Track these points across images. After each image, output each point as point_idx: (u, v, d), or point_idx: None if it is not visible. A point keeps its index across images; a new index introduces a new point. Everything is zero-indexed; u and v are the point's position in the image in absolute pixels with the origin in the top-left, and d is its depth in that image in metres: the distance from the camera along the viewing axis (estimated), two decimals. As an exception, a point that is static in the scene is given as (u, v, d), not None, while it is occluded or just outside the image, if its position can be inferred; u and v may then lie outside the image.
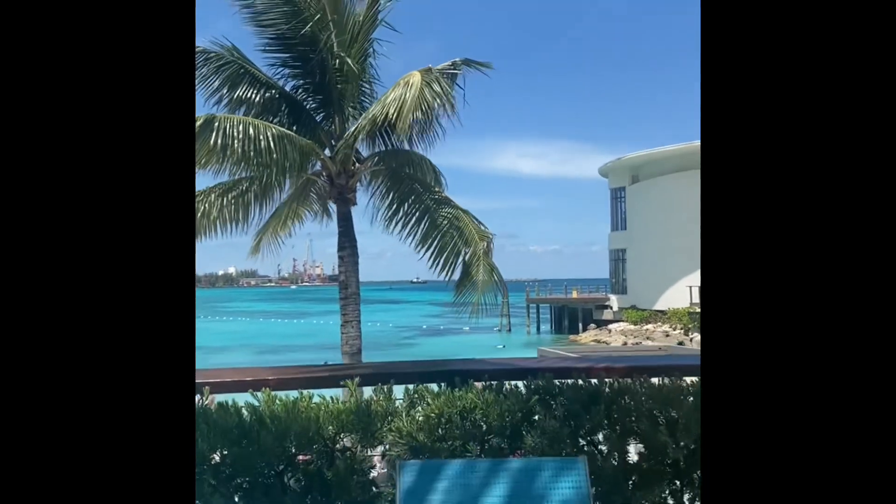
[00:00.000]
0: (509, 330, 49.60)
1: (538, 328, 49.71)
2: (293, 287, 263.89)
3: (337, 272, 8.61)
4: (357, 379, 3.81)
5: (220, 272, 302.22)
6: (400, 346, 41.82)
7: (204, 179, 8.15)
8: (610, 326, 43.36)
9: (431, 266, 8.16)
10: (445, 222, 8.10)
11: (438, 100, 6.95)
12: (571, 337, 43.98)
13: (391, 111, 6.73)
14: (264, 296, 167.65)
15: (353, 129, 7.57)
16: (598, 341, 41.70)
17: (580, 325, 45.16)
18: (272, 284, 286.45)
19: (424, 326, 57.79)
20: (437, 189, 8.74)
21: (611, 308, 44.94)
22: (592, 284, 55.98)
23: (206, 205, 8.11)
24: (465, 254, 8.00)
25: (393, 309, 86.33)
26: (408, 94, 6.77)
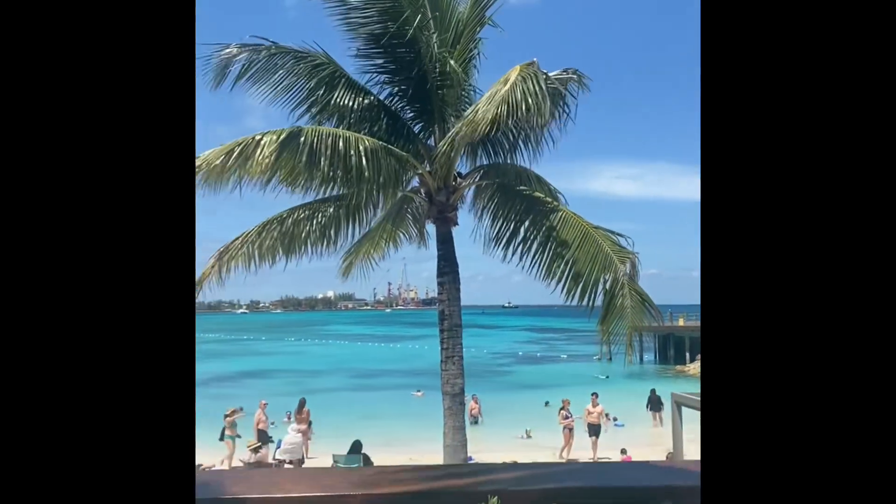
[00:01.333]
0: (609, 359, 47.27)
1: (641, 357, 46.99)
2: (388, 310, 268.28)
3: (431, 296, 7.67)
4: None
5: (320, 295, 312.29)
6: (496, 374, 40.48)
7: (291, 197, 7.41)
8: (722, 357, 40.16)
9: (567, 297, 6.92)
10: (576, 243, 6.91)
11: (551, 101, 5.85)
12: (678, 367, 41.18)
13: (501, 109, 5.68)
14: (360, 319, 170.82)
15: (453, 131, 6.52)
16: (709, 373, 38.71)
17: (687, 355, 42.26)
18: (368, 307, 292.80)
19: (520, 353, 56.13)
20: (554, 204, 7.57)
21: (722, 337, 41.63)
22: (699, 311, 52.55)
23: (294, 225, 7.34)
24: (606, 280, 6.76)
25: (487, 334, 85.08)
26: (518, 91, 5.72)
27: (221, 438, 16.11)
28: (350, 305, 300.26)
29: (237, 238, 7.29)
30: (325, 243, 7.68)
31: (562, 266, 6.94)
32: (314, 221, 7.51)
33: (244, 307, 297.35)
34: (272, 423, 22.07)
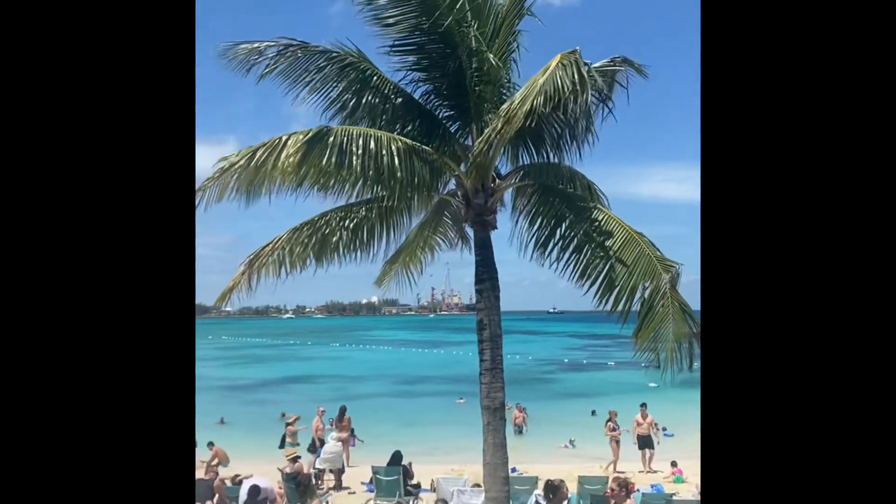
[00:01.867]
0: (658, 366, 45.89)
1: (691, 364, 45.53)
2: (431, 316, 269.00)
3: (474, 301, 7.22)
4: None
5: (364, 300, 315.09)
6: (541, 382, 39.73)
7: (330, 202, 7.11)
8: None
9: (600, 303, 6.52)
10: (616, 247, 6.45)
11: (596, 93, 5.40)
12: (731, 376, 39.74)
13: (538, 99, 5.26)
14: (404, 324, 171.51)
15: (490, 128, 6.10)
16: (763, 381, 37.25)
17: (741, 363, 40.80)
18: (412, 313, 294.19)
19: (566, 360, 55.13)
20: (595, 205, 7.09)
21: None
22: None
23: (326, 230, 7.02)
24: (645, 288, 6.31)
25: (531, 340, 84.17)
26: (556, 78, 5.29)
27: (281, 446, 15.77)
28: (394, 311, 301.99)
29: (267, 245, 7.01)
30: (358, 248, 7.34)
31: (598, 269, 6.52)
32: (346, 226, 7.17)
33: (290, 312, 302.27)
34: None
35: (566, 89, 5.21)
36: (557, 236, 6.92)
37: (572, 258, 6.77)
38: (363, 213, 7.26)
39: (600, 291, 6.58)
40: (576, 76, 5.19)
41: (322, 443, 15.67)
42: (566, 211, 6.94)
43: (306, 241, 6.87)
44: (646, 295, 6.32)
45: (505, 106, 5.84)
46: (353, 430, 16.64)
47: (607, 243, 6.52)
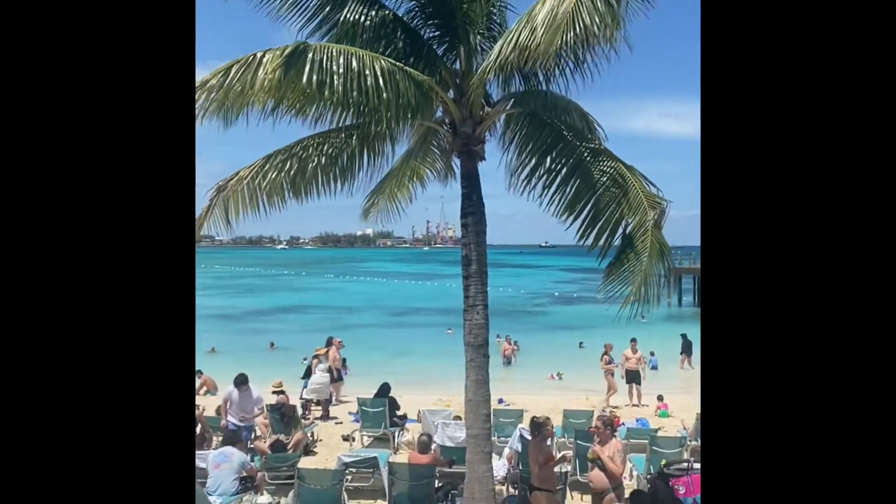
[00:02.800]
0: (633, 301, 46.26)
1: (680, 300, 45.95)
2: (426, 248, 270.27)
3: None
4: None
5: (359, 233, 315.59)
6: (530, 315, 40.08)
7: (297, 128, 6.70)
8: (766, 301, 39.23)
9: (582, 236, 6.32)
10: (604, 181, 6.14)
11: (600, 19, 4.95)
12: (719, 311, 40.16)
13: (539, 33, 4.83)
14: (398, 256, 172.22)
15: (492, 57, 5.66)
16: (752, 317, 37.74)
17: (730, 299, 41.24)
18: (406, 245, 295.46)
19: (556, 293, 55.56)
20: (590, 138, 6.72)
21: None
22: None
23: (301, 160, 6.61)
24: (627, 224, 6.06)
25: (523, 274, 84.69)
26: (560, 8, 4.84)
27: (306, 376, 15.83)
28: (388, 243, 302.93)
29: (238, 172, 6.62)
30: (339, 178, 6.96)
31: (582, 204, 6.25)
32: (326, 152, 6.76)
33: (284, 242, 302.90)
34: (305, 361, 22.23)
35: (596, 26, 4.76)
36: (544, 168, 6.60)
37: (559, 191, 6.47)
38: (343, 139, 6.85)
39: (584, 225, 6.36)
40: (604, 7, 4.76)
41: (339, 373, 15.65)
42: (556, 141, 6.58)
43: (280, 168, 6.48)
44: (628, 230, 6.09)
45: (510, 37, 5.36)
46: (344, 360, 16.62)
47: (595, 177, 6.22)
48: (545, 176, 6.62)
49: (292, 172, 6.49)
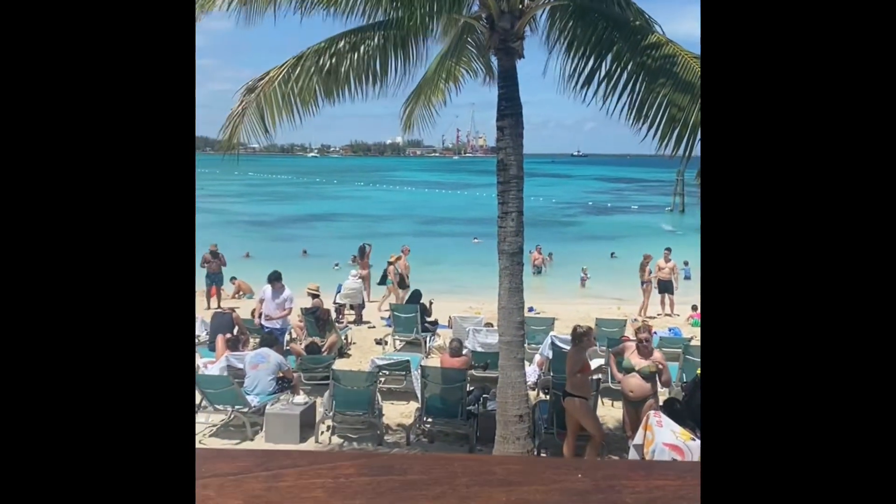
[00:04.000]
0: (682, 210, 45.64)
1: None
2: (456, 157, 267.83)
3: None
4: None
5: (388, 141, 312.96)
6: (562, 225, 39.82)
7: (327, 26, 6.35)
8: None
9: (661, 146, 5.83)
10: (676, 79, 5.67)
11: None
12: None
13: None
14: (429, 166, 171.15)
15: None
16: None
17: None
18: (437, 155, 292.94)
19: (590, 203, 54.92)
20: (654, 34, 6.18)
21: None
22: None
23: (333, 59, 6.30)
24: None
25: (555, 183, 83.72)
26: None
27: (382, 282, 16.23)
28: (418, 152, 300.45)
29: (267, 73, 6.35)
30: (371, 80, 6.66)
31: (655, 107, 5.75)
32: (357, 53, 6.43)
33: (315, 151, 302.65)
34: (336, 267, 22.55)
35: None
36: (605, 69, 6.09)
37: (624, 94, 5.95)
38: (376, 39, 6.50)
39: (659, 132, 5.80)
40: None
41: (404, 280, 15.88)
42: (616, 36, 6.05)
43: (311, 68, 6.19)
44: None
45: None
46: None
47: (666, 75, 5.72)
48: (606, 79, 6.09)
49: (324, 72, 6.20)
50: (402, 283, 15.68)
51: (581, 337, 7.06)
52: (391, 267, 15.85)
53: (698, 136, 5.61)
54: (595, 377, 7.44)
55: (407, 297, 13.23)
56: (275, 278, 10.67)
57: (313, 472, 0.90)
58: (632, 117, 5.93)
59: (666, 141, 5.73)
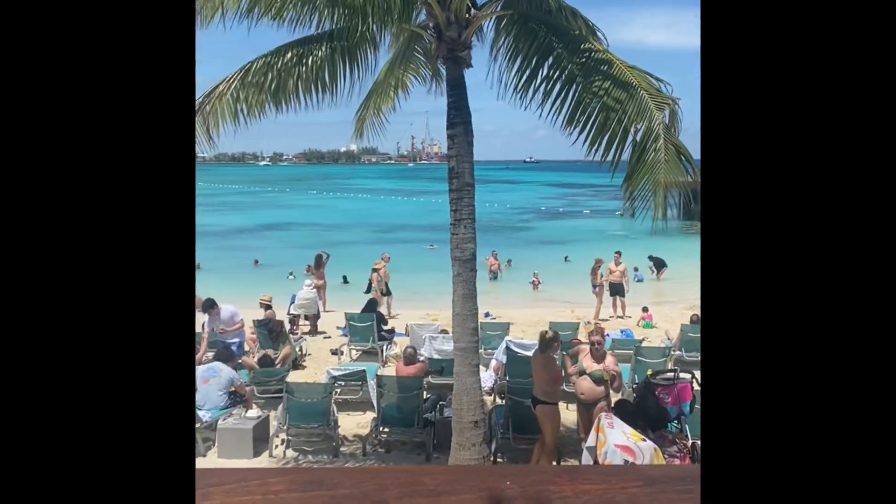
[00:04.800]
0: (632, 215, 46.56)
1: (664, 214, 46.21)
2: (411, 165, 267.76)
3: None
4: None
5: (343, 149, 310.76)
6: (516, 230, 40.21)
7: (276, 35, 6.31)
8: (749, 215, 39.66)
9: (590, 150, 5.96)
10: (607, 87, 5.80)
11: None
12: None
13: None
14: (384, 173, 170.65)
15: None
16: (735, 230, 38.23)
17: (714, 212, 41.59)
18: (392, 162, 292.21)
19: (543, 208, 55.59)
20: (591, 42, 6.32)
21: (751, 194, 40.90)
22: (728, 167, 51.22)
23: (280, 70, 6.25)
24: (637, 131, 5.77)
25: (508, 189, 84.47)
26: None
27: (368, 291, 16.28)
28: (373, 159, 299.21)
29: (215, 88, 6.26)
30: (320, 90, 6.62)
31: (588, 112, 5.89)
32: (305, 63, 6.39)
33: (267, 159, 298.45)
34: (291, 276, 22.27)
35: None
36: (542, 76, 6.20)
37: (558, 100, 6.09)
38: (324, 48, 6.48)
39: (590, 137, 5.96)
40: None
41: (387, 287, 16.08)
42: (554, 43, 6.17)
43: (259, 79, 6.13)
44: (637, 138, 5.79)
45: None
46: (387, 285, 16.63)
47: (599, 82, 5.87)
48: (543, 85, 6.20)
49: (272, 84, 6.15)
50: (387, 290, 15.91)
51: (550, 342, 7.14)
52: (375, 274, 15.94)
53: (627, 143, 5.78)
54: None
55: (364, 306, 13.15)
56: (208, 306, 10.15)
57: (241, 489, 0.90)
58: (564, 123, 6.07)
59: (596, 146, 5.89)
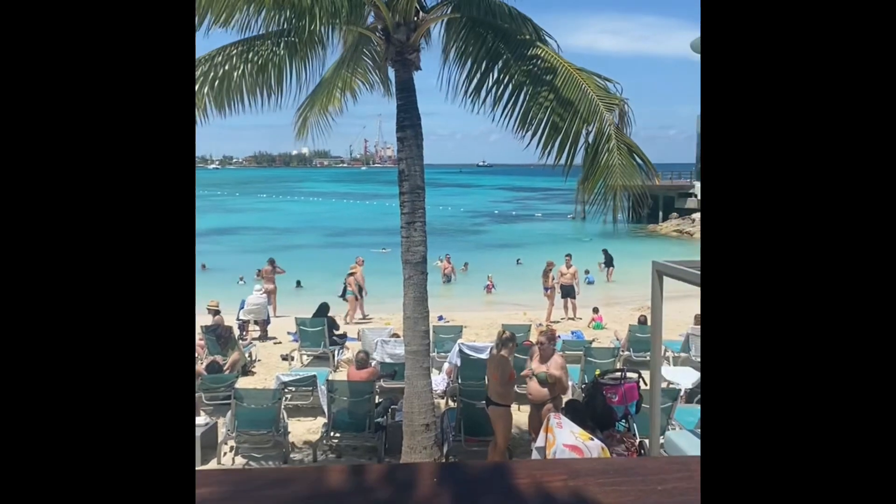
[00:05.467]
0: (584, 217, 47.39)
1: (614, 217, 47.14)
2: (364, 168, 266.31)
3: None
4: None
5: (294, 152, 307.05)
6: (470, 233, 40.38)
7: (219, 36, 6.19)
8: (694, 216, 40.63)
9: (543, 155, 5.99)
10: (556, 90, 5.86)
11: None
12: (650, 227, 41.42)
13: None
14: (336, 176, 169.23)
15: None
16: (681, 232, 39.23)
17: (661, 214, 42.53)
18: (344, 165, 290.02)
19: (496, 212, 55.99)
20: (539, 46, 6.38)
21: (695, 196, 41.92)
22: (674, 170, 52.52)
23: (225, 69, 6.12)
24: (588, 133, 5.82)
25: (462, 193, 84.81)
26: None
27: (342, 296, 16.21)
28: (326, 163, 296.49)
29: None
30: (265, 90, 6.51)
31: (539, 116, 5.94)
32: (251, 62, 6.28)
33: (216, 162, 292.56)
34: (241, 281, 21.86)
35: None
36: (492, 79, 6.23)
37: (509, 103, 6.10)
38: (270, 47, 6.38)
39: (542, 140, 5.97)
40: None
41: (361, 290, 16.10)
42: (502, 48, 6.21)
43: (201, 78, 6.00)
44: (589, 140, 5.85)
45: None
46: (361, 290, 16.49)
47: (548, 85, 5.92)
48: (494, 88, 6.21)
49: (215, 83, 6.02)
50: (360, 294, 16.01)
51: (507, 342, 7.16)
52: (351, 278, 15.86)
53: (579, 146, 5.85)
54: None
55: (315, 311, 12.99)
56: None
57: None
58: (517, 127, 6.11)
59: (548, 150, 5.94)
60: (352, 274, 16.13)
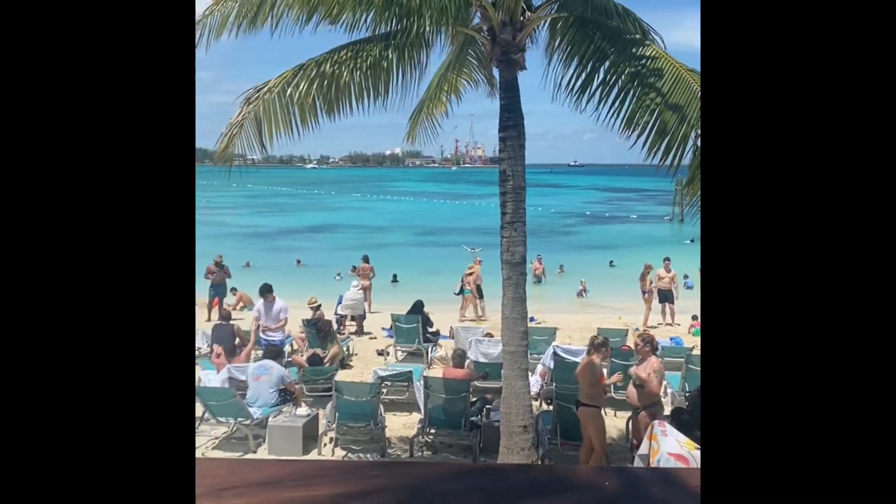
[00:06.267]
0: (682, 219, 45.69)
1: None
2: (455, 168, 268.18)
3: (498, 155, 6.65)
4: None
5: (388, 152, 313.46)
6: (561, 234, 39.84)
7: (331, 36, 6.38)
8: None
9: (649, 154, 5.86)
10: (666, 92, 5.70)
11: None
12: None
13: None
14: (428, 176, 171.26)
15: None
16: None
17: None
18: (435, 165, 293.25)
19: (588, 213, 54.94)
20: (648, 45, 6.22)
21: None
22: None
23: (334, 71, 6.28)
24: (698, 136, 5.64)
25: (554, 193, 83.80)
26: None
27: (459, 293, 16.54)
28: (417, 162, 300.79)
29: (266, 83, 6.36)
30: (373, 93, 6.66)
31: (646, 117, 5.78)
32: (359, 66, 6.44)
33: (314, 162, 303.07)
34: (338, 277, 22.55)
35: None
36: (598, 79, 6.12)
37: (616, 102, 5.98)
38: (377, 51, 6.52)
39: (649, 141, 5.82)
40: None
41: (480, 290, 16.26)
42: (609, 49, 6.10)
43: (311, 79, 6.20)
44: (699, 143, 5.65)
45: None
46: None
47: (657, 85, 5.76)
48: (600, 89, 6.11)
49: (324, 84, 6.22)
50: (480, 292, 16.10)
51: (599, 347, 7.09)
52: (469, 277, 16.10)
53: (688, 147, 5.65)
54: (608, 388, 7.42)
55: (409, 308, 13.21)
56: (266, 290, 10.75)
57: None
58: (622, 127, 5.97)
59: (654, 150, 5.78)
60: (470, 273, 16.25)
